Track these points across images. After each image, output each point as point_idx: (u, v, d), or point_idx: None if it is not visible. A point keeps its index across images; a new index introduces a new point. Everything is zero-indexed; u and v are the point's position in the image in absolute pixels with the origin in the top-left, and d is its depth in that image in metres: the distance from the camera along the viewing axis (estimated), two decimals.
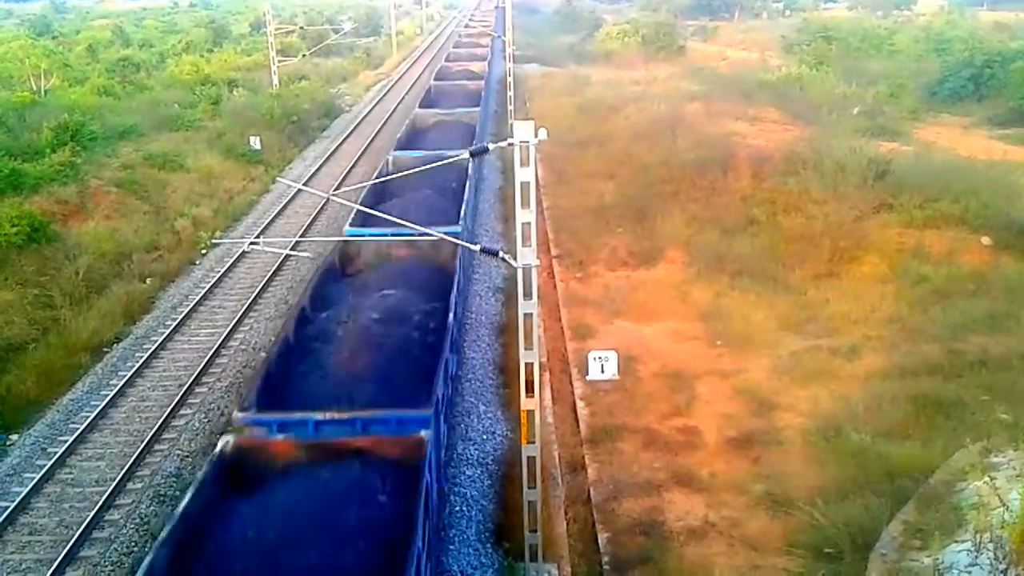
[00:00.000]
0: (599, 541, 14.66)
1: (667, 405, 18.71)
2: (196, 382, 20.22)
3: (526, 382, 13.52)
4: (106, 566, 14.32)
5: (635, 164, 35.00)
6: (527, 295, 13.30)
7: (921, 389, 18.05)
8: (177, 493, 15.54)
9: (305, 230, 30.50)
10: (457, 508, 15.50)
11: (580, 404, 19.21)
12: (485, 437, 18.02)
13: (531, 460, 13.69)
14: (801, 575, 13.31)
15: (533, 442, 13.64)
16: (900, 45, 67.06)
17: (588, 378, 20.07)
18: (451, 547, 14.40)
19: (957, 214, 26.48)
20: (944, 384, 18.23)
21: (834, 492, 15.06)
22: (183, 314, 23.77)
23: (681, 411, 18.49)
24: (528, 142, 12.83)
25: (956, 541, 12.57)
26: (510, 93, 44.94)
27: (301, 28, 73.98)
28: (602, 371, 20.06)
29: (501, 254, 14.30)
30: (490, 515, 15.56)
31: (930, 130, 43.50)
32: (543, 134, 12.85)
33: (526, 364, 13.51)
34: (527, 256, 13.19)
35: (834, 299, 23.25)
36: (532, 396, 13.53)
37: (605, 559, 14.16)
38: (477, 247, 15.37)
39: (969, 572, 11.88)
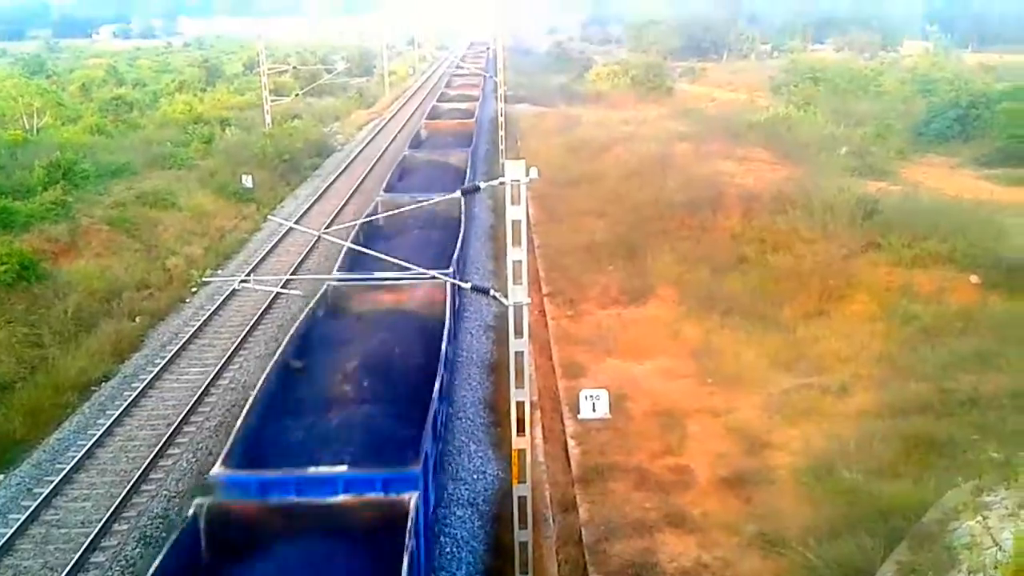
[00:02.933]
0: None
1: (659, 444, 18.63)
2: (184, 421, 20.08)
3: (517, 421, 13.48)
4: None
5: (625, 203, 35.20)
6: (518, 333, 13.29)
7: (912, 428, 18.03)
8: (163, 534, 15.35)
9: (296, 268, 30.50)
10: (447, 550, 15.36)
11: (571, 443, 19.11)
12: (476, 477, 17.91)
13: (522, 500, 13.61)
14: None
15: (524, 482, 13.56)
16: (887, 86, 67.94)
17: (579, 417, 19.98)
18: None
19: (945, 253, 26.65)
20: (935, 422, 18.21)
21: (827, 531, 14.96)
22: (172, 352, 23.66)
23: (673, 450, 18.41)
24: (519, 181, 12.93)
25: None
26: (501, 132, 45.28)
27: (294, 68, 74.58)
28: (593, 410, 19.99)
29: (492, 292, 14.32)
30: (480, 557, 15.42)
31: (917, 170, 43.93)
32: (534, 173, 12.94)
33: (517, 403, 13.48)
34: (518, 294, 13.21)
35: (824, 337, 23.29)
36: (523, 435, 13.48)
37: None
38: (468, 285, 15.41)
39: None
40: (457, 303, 19.99)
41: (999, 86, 56.78)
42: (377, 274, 19.84)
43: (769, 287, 26.32)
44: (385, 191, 30.53)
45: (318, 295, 19.92)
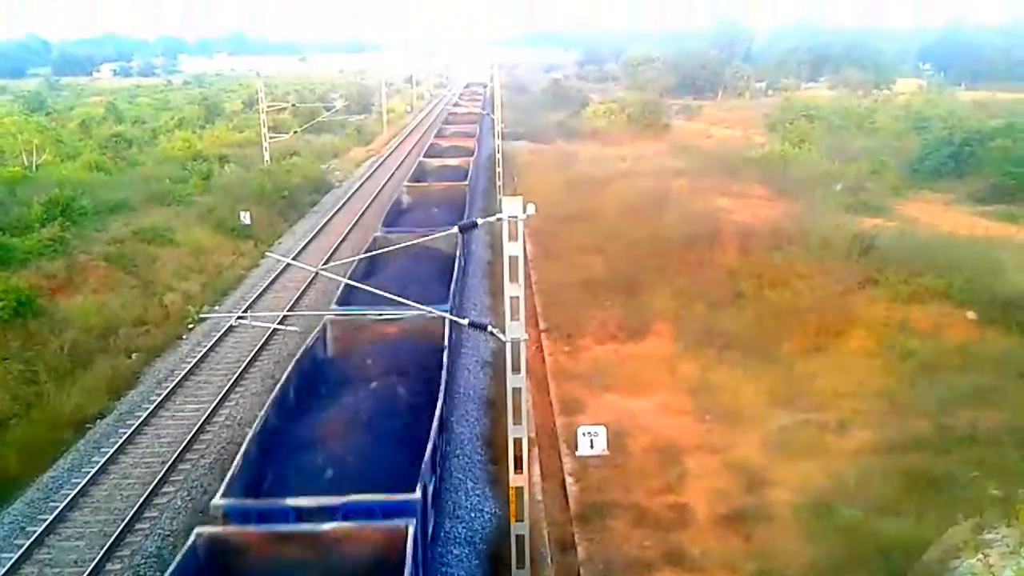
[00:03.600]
0: None
1: (657, 481, 18.52)
2: (180, 459, 19.95)
3: (515, 458, 13.41)
4: None
5: (623, 239, 35.32)
6: (515, 369, 13.27)
7: (911, 464, 17.98)
8: (158, 573, 15.18)
9: (293, 305, 30.48)
10: None
11: (569, 480, 18.99)
12: (473, 515, 17.75)
13: (520, 539, 13.50)
14: None
15: (522, 520, 13.46)
16: (881, 123, 68.52)
17: (578, 453, 19.91)
18: None
19: (942, 289, 26.73)
20: (934, 459, 18.16)
21: (827, 569, 14.87)
22: (168, 390, 23.57)
23: (672, 487, 18.30)
24: (516, 217, 12.98)
25: None
26: (499, 169, 45.56)
27: (293, 105, 75.13)
28: (591, 446, 19.94)
29: (490, 328, 14.31)
30: None
31: (912, 206, 44.18)
32: (531, 209, 13.00)
33: (515, 439, 13.42)
34: (515, 330, 13.20)
35: (822, 373, 23.26)
36: (521, 472, 13.40)
37: None
38: (466, 321, 15.39)
39: None
40: (454, 337, 20.03)
41: (992, 123, 57.29)
42: (374, 309, 19.86)
43: (766, 323, 26.34)
44: (384, 226, 30.62)
45: (316, 330, 19.93)
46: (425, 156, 49.71)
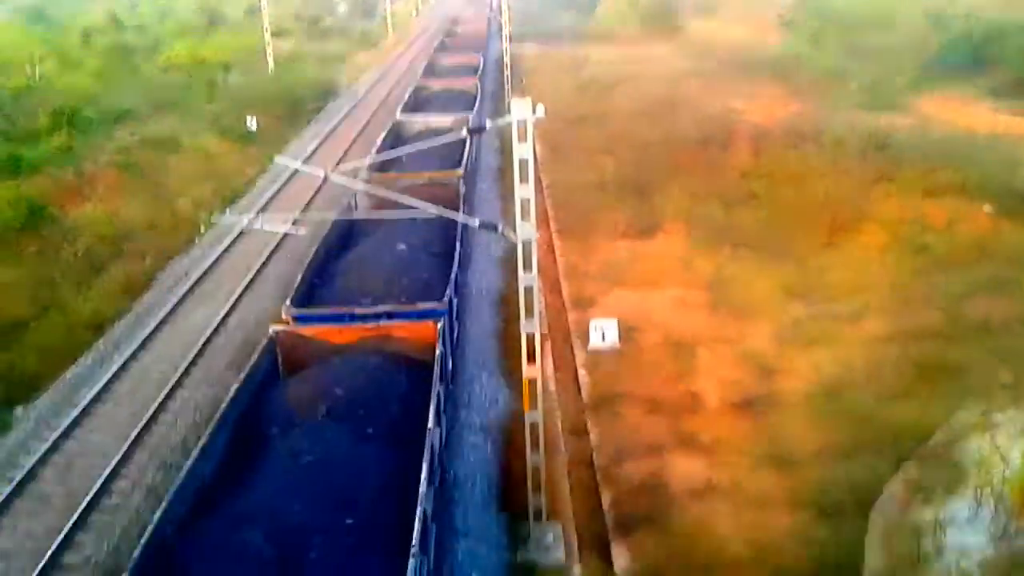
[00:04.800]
0: (602, 502, 14.73)
1: (669, 371, 18.76)
2: (199, 355, 20.27)
3: (528, 351, 13.58)
4: (114, 532, 14.39)
5: (634, 141, 34.97)
6: (527, 268, 13.34)
7: (922, 353, 18.13)
8: (183, 462, 15.52)
9: (304, 208, 30.46)
10: (462, 473, 15.57)
11: (582, 372, 19.27)
12: (488, 405, 18.09)
13: (534, 426, 13.76)
14: (803, 533, 13.36)
15: (536, 409, 13.71)
16: (898, 20, 66.74)
17: (590, 347, 20.14)
18: (458, 510, 14.47)
19: (957, 183, 26.50)
20: (945, 348, 18.30)
21: (836, 453, 15.16)
22: (183, 292, 23.81)
23: (683, 377, 18.54)
24: (526, 119, 12.85)
25: (958, 496, 12.67)
26: (507, 73, 44.85)
27: (296, 12, 73.65)
28: (603, 339, 20.14)
29: (501, 229, 14.36)
30: (495, 480, 15.64)
31: (930, 103, 43.32)
32: (541, 111, 12.84)
33: (527, 334, 13.57)
34: (527, 230, 13.22)
35: (835, 268, 23.28)
36: (534, 364, 13.59)
37: (609, 519, 14.25)
38: (476, 221, 15.42)
39: (970, 526, 11.97)
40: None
41: (1013, 17, 55.69)
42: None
43: (780, 220, 26.25)
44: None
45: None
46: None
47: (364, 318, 16.00)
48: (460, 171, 24.53)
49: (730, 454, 15.71)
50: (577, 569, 13.30)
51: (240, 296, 23.61)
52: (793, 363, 18.63)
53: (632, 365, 19.12)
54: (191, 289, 24.12)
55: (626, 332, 20.28)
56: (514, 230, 13.28)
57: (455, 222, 18.74)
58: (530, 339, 13.53)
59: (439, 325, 15.21)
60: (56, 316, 22.69)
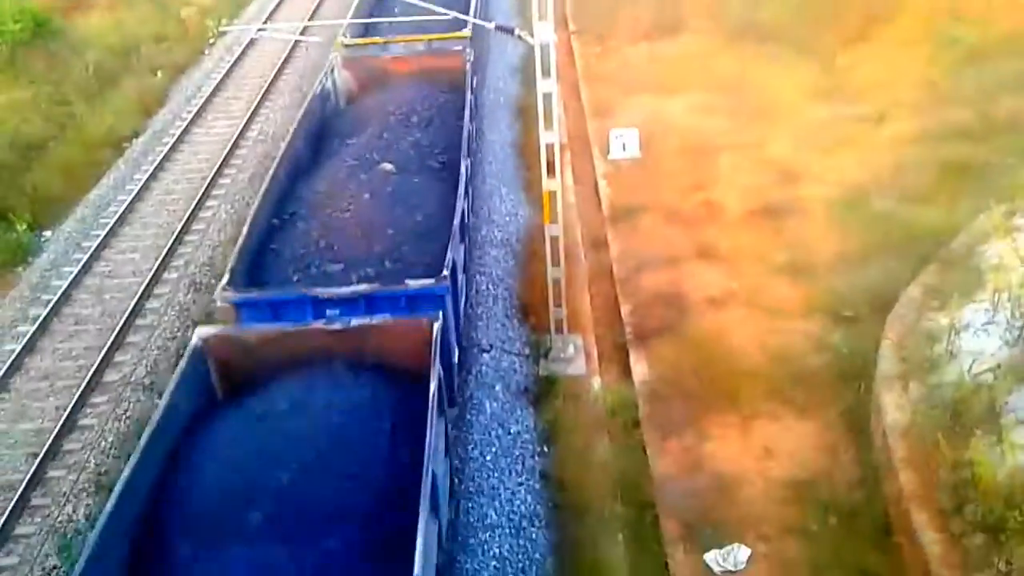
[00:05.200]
0: (622, 313, 15.04)
1: (689, 180, 18.57)
2: (218, 174, 20.29)
3: (547, 163, 13.43)
4: (151, 350, 15.00)
5: None
6: (545, 73, 12.92)
7: (948, 153, 17.71)
8: (213, 281, 15.92)
9: (312, 15, 29.45)
10: (484, 287, 15.88)
11: (602, 183, 19.14)
12: (508, 219, 18.17)
13: (554, 239, 13.84)
14: (819, 337, 13.66)
15: (556, 222, 13.74)
16: None
17: (610, 157, 19.91)
18: (480, 323, 14.88)
19: None
20: (972, 148, 17.83)
21: (856, 258, 15.19)
22: (198, 106, 23.52)
23: (703, 186, 18.36)
24: None
25: (974, 301, 12.77)
26: None
27: None
28: (623, 149, 19.86)
29: (517, 32, 13.82)
30: (516, 293, 15.96)
31: None
32: None
33: (546, 145, 13.36)
34: (544, 32, 12.70)
35: (863, 64, 22.37)
36: (553, 176, 13.48)
37: (628, 329, 14.59)
38: (492, 24, 14.84)
39: (985, 330, 12.13)
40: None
41: None
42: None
43: (809, 12, 24.99)
44: None
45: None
46: None
47: (332, 303, 10.63)
48: (466, 31, 18.93)
49: (749, 262, 15.80)
50: (597, 380, 13.79)
51: (256, 108, 23.32)
52: (816, 168, 18.34)
53: (652, 175, 18.93)
54: (206, 103, 23.80)
55: (647, 140, 19.95)
56: (531, 33, 12.82)
57: (462, 109, 15.81)
58: (549, 150, 13.38)
59: (435, 326, 9.86)
60: (73, 135, 22.61)
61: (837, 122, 19.96)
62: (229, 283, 10.81)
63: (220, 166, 20.52)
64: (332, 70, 17.75)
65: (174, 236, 17.90)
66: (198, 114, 23.18)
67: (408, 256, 12.02)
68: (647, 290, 15.45)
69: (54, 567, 11.08)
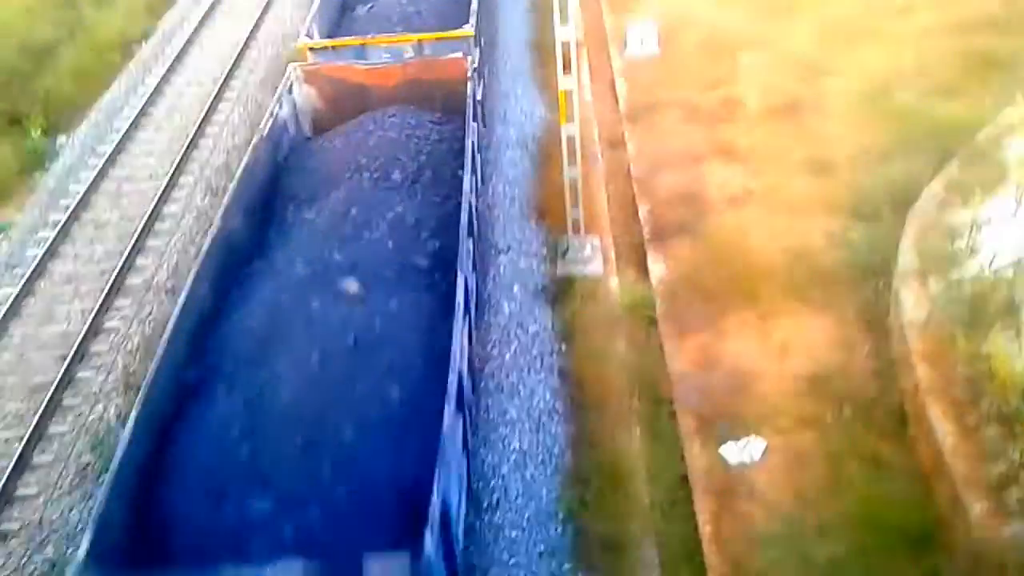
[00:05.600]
0: (639, 212, 14.98)
1: (709, 77, 18.19)
2: (230, 76, 20.07)
3: (563, 60, 13.18)
4: (172, 254, 15.12)
5: None
6: None
7: (975, 45, 17.21)
8: (227, 184, 15.89)
9: None
10: (500, 189, 15.82)
11: (619, 81, 18.81)
12: (523, 119, 17.96)
13: (570, 139, 13.69)
14: (838, 235, 13.58)
15: (572, 121, 13.57)
16: None
17: (627, 54, 19.51)
18: (497, 225, 14.88)
19: None
20: (999, 39, 17.31)
21: (877, 154, 14.96)
22: (206, 8, 23.12)
23: (723, 82, 17.98)
24: None
25: (997, 196, 12.63)
26: None
27: None
28: (641, 45, 19.45)
29: None
30: (532, 194, 15.89)
31: None
32: None
33: (562, 42, 13.09)
34: None
35: None
36: (569, 74, 13.25)
37: (646, 229, 14.55)
38: None
39: (1007, 225, 12.04)
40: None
41: None
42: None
43: None
44: None
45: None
46: None
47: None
48: (468, 29, 15.54)
49: (768, 160, 15.60)
50: (614, 279, 13.83)
51: (265, 9, 22.91)
52: (838, 62, 17.88)
53: (671, 72, 18.56)
54: (215, 3, 23.40)
55: (665, 35, 19.52)
56: None
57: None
58: (565, 47, 13.12)
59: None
60: (83, 39, 22.30)
61: (861, 13, 19.39)
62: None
63: (231, 68, 20.27)
64: (290, 88, 14.40)
65: (188, 140, 17.82)
66: (207, 15, 22.80)
67: (369, 482, 8.02)
68: (665, 189, 15.34)
69: (87, 464, 11.39)
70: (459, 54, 14.53)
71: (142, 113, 18.96)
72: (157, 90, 19.76)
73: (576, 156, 13.76)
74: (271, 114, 13.57)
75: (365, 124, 13.85)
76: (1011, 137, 13.81)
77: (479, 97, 14.68)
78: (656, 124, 17.19)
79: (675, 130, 16.92)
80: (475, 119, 13.30)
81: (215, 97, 19.19)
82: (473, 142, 12.55)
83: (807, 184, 14.85)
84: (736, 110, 17.20)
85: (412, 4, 17.88)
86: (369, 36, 15.64)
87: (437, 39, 15.31)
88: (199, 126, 18.28)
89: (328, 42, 15.91)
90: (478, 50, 15.71)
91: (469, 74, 13.97)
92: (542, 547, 9.84)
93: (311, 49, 15.47)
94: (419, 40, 15.42)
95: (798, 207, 14.35)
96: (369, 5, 18.25)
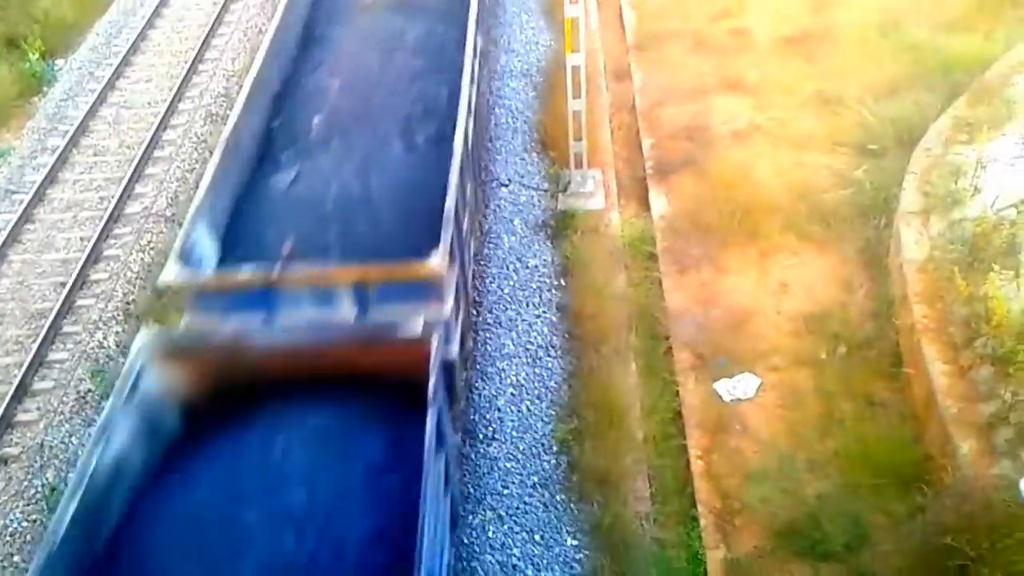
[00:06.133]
0: (643, 146, 14.82)
1: (718, 7, 17.75)
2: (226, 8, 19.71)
3: None
4: (171, 182, 15.04)
5: None
6: None
7: None
8: (227, 112, 15.72)
9: None
10: (503, 120, 15.65)
11: (627, 9, 18.40)
12: (528, 48, 17.66)
13: (575, 69, 13.46)
14: (843, 172, 13.44)
15: (577, 51, 13.33)
16: None
17: None
18: (499, 157, 14.75)
19: None
20: None
21: (886, 89, 14.68)
22: None
23: (732, 13, 17.57)
24: None
25: (1004, 134, 12.46)
26: None
27: None
28: None
29: None
30: (535, 126, 15.69)
31: None
32: None
33: None
34: None
35: None
36: (576, 2, 12.97)
37: (648, 163, 14.40)
38: None
39: (1012, 164, 11.91)
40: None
41: None
42: None
43: None
44: None
45: None
46: None
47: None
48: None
49: (776, 93, 15.34)
50: (615, 214, 13.74)
51: None
52: None
53: (679, 1, 18.13)
54: None
55: None
56: None
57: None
58: None
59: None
60: None
61: None
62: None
63: None
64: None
65: (188, 65, 17.59)
66: None
67: None
68: (670, 123, 15.12)
69: (88, 391, 11.53)
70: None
71: (141, 37, 18.68)
72: (156, 13, 19.43)
73: (581, 87, 13.55)
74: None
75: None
76: (1020, 74, 13.57)
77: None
78: (663, 55, 16.87)
79: (682, 61, 16.61)
80: None
81: (215, 21, 18.87)
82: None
83: (814, 119, 14.64)
84: (745, 41, 16.85)
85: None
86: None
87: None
88: (199, 51, 18.01)
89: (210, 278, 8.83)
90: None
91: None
92: (535, 479, 10.00)
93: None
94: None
95: (804, 142, 14.18)
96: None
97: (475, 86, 11.85)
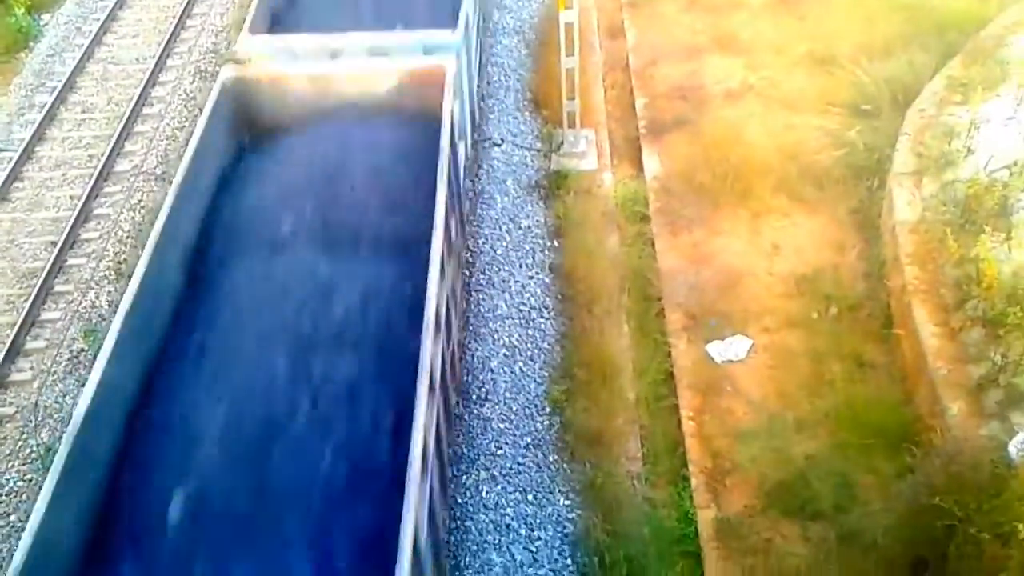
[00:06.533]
0: (636, 106, 14.74)
1: None
2: None
3: None
4: (160, 140, 14.90)
5: None
6: None
7: None
8: (217, 68, 15.54)
9: None
10: (495, 78, 15.52)
11: None
12: (520, 4, 17.47)
13: (568, 27, 13.35)
14: (836, 133, 13.42)
15: (570, 8, 13.21)
16: None
17: None
18: (491, 116, 14.65)
19: None
20: None
21: (880, 49, 14.61)
22: None
23: None
24: None
25: (998, 95, 12.45)
26: None
27: None
28: None
29: None
30: (528, 84, 15.57)
31: None
32: None
33: None
34: None
35: None
36: None
37: (642, 123, 14.35)
38: None
39: (1005, 125, 11.91)
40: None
41: None
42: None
43: None
44: None
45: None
46: None
47: None
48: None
49: (769, 53, 15.26)
50: (608, 175, 13.71)
51: None
52: None
53: None
54: None
55: None
56: None
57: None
58: None
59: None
60: None
61: None
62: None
63: None
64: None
65: (176, 20, 17.34)
66: None
67: None
68: (663, 82, 15.06)
69: (81, 350, 11.53)
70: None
71: None
72: None
73: (574, 45, 13.44)
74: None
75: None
76: (1015, 35, 13.52)
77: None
78: (656, 13, 16.74)
79: (676, 20, 16.50)
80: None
81: None
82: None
83: (807, 79, 14.60)
84: (739, 0, 16.73)
85: None
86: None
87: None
88: (187, 5, 17.75)
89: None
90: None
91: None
92: (528, 439, 10.09)
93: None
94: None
95: (797, 103, 14.15)
96: None
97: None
